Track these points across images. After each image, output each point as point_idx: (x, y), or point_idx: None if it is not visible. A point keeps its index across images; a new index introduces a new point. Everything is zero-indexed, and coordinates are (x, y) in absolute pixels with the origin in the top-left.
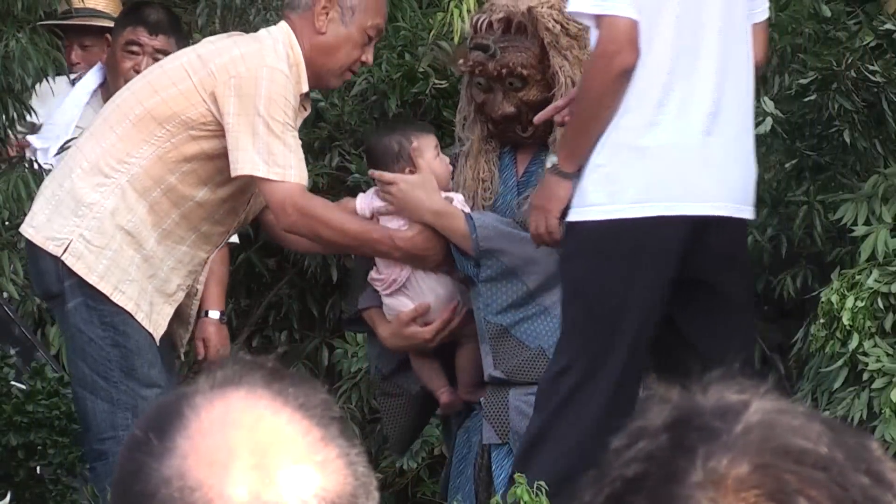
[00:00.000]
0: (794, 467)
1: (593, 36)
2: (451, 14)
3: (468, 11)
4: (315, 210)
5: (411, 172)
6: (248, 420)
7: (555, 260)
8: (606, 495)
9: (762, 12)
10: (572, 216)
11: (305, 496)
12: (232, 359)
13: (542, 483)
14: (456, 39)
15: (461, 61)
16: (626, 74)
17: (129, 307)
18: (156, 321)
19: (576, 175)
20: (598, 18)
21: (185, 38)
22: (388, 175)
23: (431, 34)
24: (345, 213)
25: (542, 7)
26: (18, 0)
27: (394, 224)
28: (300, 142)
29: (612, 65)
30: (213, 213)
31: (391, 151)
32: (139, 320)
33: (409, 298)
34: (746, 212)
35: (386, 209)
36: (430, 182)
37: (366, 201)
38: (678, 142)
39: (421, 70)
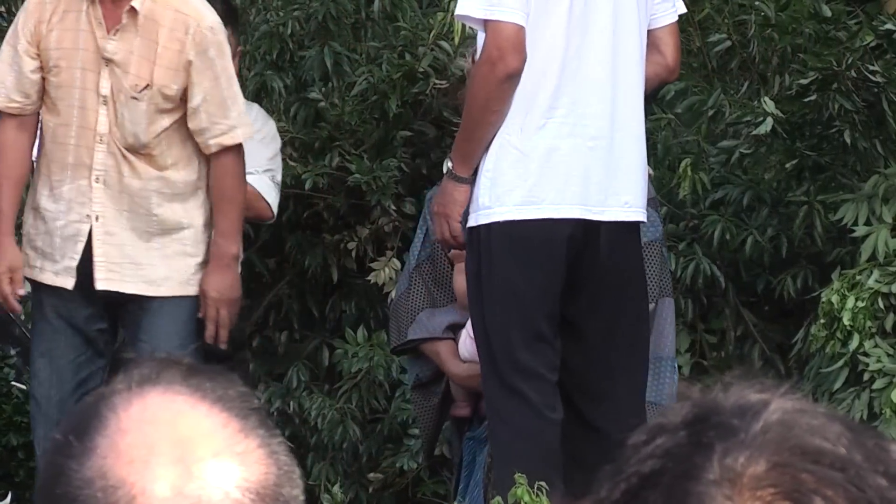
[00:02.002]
0: (812, 467)
1: (480, 39)
2: (452, 14)
3: None
4: None
5: None
6: (167, 416)
7: None
8: (623, 490)
9: (669, 15)
10: (469, 221)
11: (228, 488)
12: (148, 357)
13: (543, 483)
14: (456, 40)
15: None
16: (511, 79)
17: (33, 274)
18: (66, 267)
19: (472, 178)
20: (485, 23)
21: (240, 26)
22: None
23: (432, 34)
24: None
25: None
26: (20, 0)
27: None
28: (19, 68)
29: (497, 70)
30: (50, 137)
31: None
32: (42, 280)
33: None
34: (636, 215)
35: None
36: None
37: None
38: (565, 145)
39: (421, 70)
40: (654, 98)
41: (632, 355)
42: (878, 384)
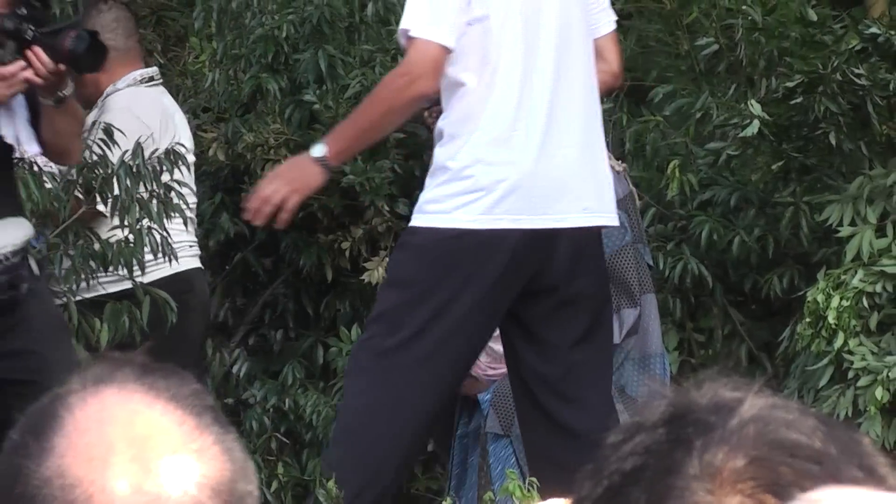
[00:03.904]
0: (789, 460)
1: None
2: None
3: None
4: None
5: None
6: (123, 414)
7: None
8: (605, 487)
9: (606, 25)
10: (420, 221)
11: (186, 485)
12: (101, 357)
13: (534, 480)
14: None
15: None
16: (421, 99)
17: None
18: None
19: (335, 169)
20: (411, 39)
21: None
22: None
23: None
24: None
25: None
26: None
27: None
28: None
29: (412, 87)
30: None
31: None
32: None
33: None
34: (600, 219)
35: None
36: None
37: None
38: (525, 157)
39: None
40: (644, 101)
41: (598, 358)
42: (862, 382)
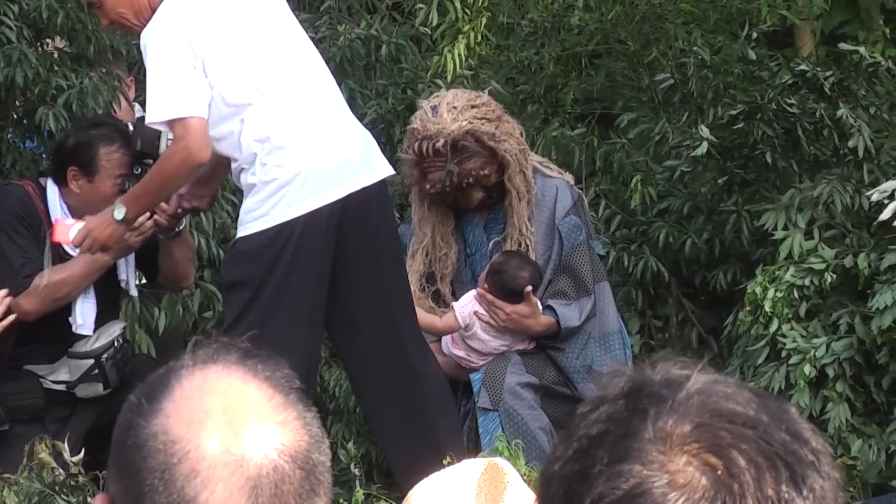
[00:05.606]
0: (728, 426)
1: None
2: (445, 57)
3: (459, 56)
4: None
5: (515, 302)
6: (222, 387)
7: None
8: (575, 449)
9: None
10: (243, 231)
11: (267, 449)
12: (212, 340)
13: (519, 441)
14: (449, 79)
15: (427, 186)
16: (199, 167)
17: None
18: None
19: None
20: (174, 122)
21: None
22: (508, 307)
23: (429, 74)
24: None
25: (464, 114)
26: (91, 45)
27: (494, 343)
28: None
29: (193, 158)
30: None
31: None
32: None
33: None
34: (382, 172)
35: (488, 323)
36: (537, 312)
37: (467, 310)
38: (311, 145)
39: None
40: (611, 126)
41: (403, 298)
42: (793, 360)
